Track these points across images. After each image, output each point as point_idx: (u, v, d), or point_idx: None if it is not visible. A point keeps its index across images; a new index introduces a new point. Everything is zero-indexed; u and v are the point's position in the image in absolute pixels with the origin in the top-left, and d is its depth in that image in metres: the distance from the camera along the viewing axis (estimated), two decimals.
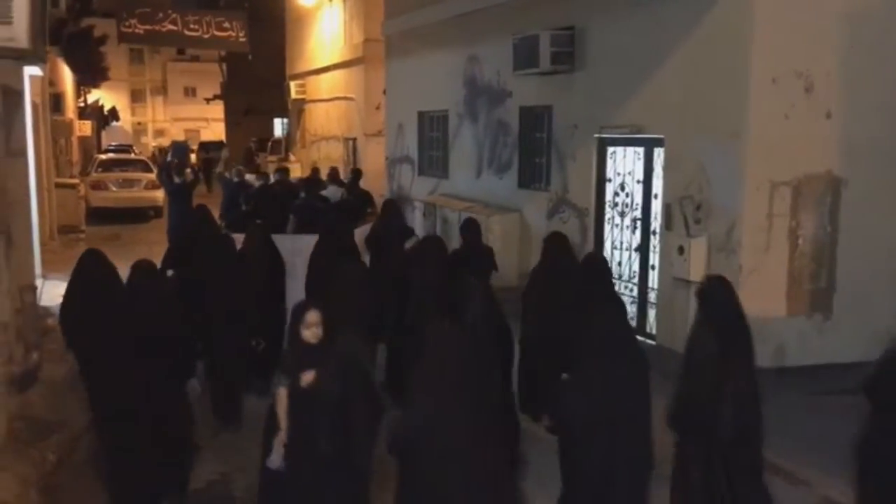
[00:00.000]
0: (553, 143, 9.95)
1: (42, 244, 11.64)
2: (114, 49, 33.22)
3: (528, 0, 10.17)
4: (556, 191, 9.88)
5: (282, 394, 4.31)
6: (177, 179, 14.18)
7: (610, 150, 8.99)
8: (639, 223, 8.53)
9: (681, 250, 7.48)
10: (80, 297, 6.21)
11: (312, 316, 4.30)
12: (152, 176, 20.08)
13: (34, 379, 6.93)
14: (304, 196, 11.54)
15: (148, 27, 24.64)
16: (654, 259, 8.28)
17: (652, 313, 8.33)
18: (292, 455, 4.27)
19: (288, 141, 28.13)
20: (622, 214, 8.83)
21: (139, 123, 60.18)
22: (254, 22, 25.78)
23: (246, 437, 5.93)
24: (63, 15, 17.38)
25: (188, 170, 17.20)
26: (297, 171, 21.32)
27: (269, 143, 29.78)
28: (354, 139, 19.64)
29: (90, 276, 6.28)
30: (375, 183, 15.58)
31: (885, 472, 3.86)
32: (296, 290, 7.43)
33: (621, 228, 8.86)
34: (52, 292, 9.27)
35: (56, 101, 18.42)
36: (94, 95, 36.53)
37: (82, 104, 31.34)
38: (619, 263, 8.84)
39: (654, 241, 8.25)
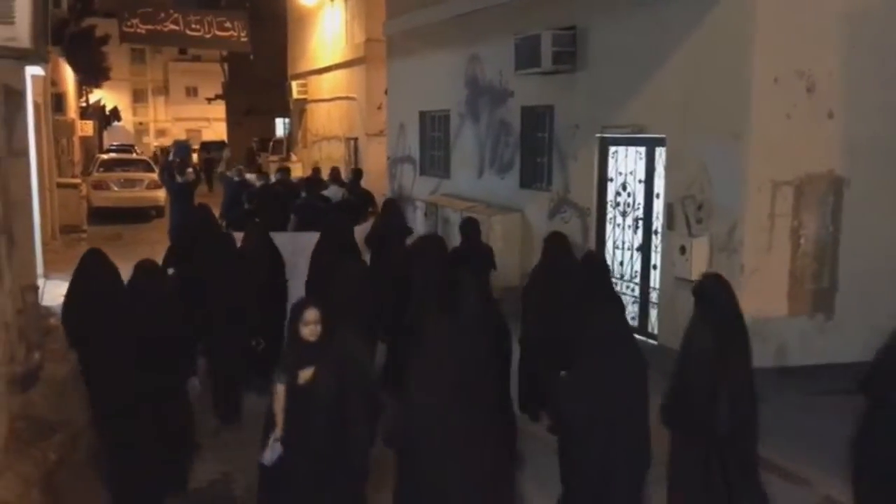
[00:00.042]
0: (555, 143, 9.94)
1: (44, 244, 11.65)
2: (115, 49, 33.26)
3: (529, 0, 10.17)
4: (557, 191, 9.88)
5: (279, 390, 4.31)
6: (179, 179, 14.19)
7: (612, 149, 8.98)
8: (640, 223, 8.53)
9: (682, 250, 7.48)
10: (82, 297, 6.22)
11: (311, 314, 4.31)
12: (154, 176, 20.10)
13: (36, 378, 6.93)
14: (305, 196, 11.54)
15: (149, 27, 24.64)
16: (655, 259, 8.28)
17: (654, 313, 8.33)
18: (290, 452, 4.27)
19: (289, 141, 28.13)
20: (624, 214, 8.83)
21: (141, 123, 60.23)
22: (255, 22, 25.78)
23: (247, 436, 5.91)
24: (65, 15, 17.37)
25: (190, 169, 17.21)
26: (298, 171, 21.33)
27: (271, 143, 29.77)
28: (356, 139, 19.64)
29: (92, 276, 6.28)
30: (377, 183, 15.59)
31: (882, 468, 3.87)
32: (299, 289, 7.44)
33: (623, 228, 8.85)
34: (54, 292, 9.27)
35: (58, 101, 18.41)
36: (95, 95, 36.57)
37: (84, 104, 31.35)
38: (621, 263, 8.84)
39: (656, 241, 8.25)
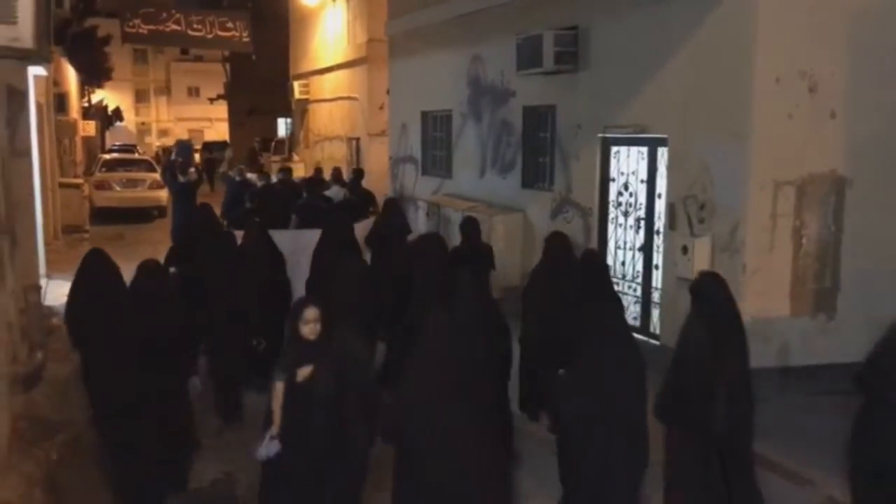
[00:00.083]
0: (557, 143, 9.94)
1: (46, 244, 11.66)
2: (118, 49, 33.29)
3: (531, 0, 10.17)
4: (559, 190, 9.88)
5: (277, 387, 4.32)
6: (181, 179, 14.19)
7: (613, 149, 8.98)
8: (642, 223, 8.53)
9: (684, 250, 7.48)
10: (84, 297, 6.23)
11: (311, 312, 4.32)
12: (156, 176, 20.10)
13: (38, 378, 6.94)
14: (306, 196, 11.55)
15: (152, 27, 24.69)
16: (657, 259, 8.27)
17: (655, 313, 8.32)
18: (288, 451, 4.28)
19: (291, 141, 28.15)
20: (626, 214, 8.83)
21: (143, 123, 60.26)
22: (257, 22, 25.82)
23: (249, 436, 5.92)
24: (67, 15, 17.37)
25: (192, 169, 17.22)
26: (300, 171, 21.34)
27: (273, 143, 29.79)
28: (358, 139, 19.65)
29: (94, 276, 6.29)
30: (379, 183, 15.60)
31: (878, 467, 3.86)
32: (300, 287, 7.45)
33: (625, 228, 8.85)
34: (57, 292, 9.28)
35: (60, 101, 18.43)
36: (98, 95, 36.59)
37: (86, 104, 31.38)
38: (623, 263, 8.84)
39: (658, 241, 8.25)
